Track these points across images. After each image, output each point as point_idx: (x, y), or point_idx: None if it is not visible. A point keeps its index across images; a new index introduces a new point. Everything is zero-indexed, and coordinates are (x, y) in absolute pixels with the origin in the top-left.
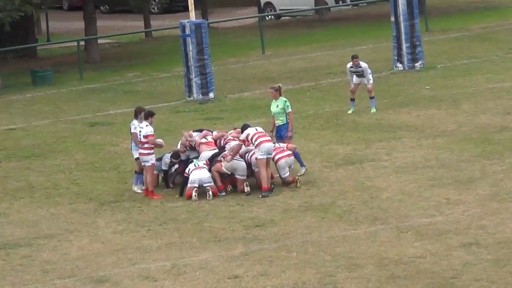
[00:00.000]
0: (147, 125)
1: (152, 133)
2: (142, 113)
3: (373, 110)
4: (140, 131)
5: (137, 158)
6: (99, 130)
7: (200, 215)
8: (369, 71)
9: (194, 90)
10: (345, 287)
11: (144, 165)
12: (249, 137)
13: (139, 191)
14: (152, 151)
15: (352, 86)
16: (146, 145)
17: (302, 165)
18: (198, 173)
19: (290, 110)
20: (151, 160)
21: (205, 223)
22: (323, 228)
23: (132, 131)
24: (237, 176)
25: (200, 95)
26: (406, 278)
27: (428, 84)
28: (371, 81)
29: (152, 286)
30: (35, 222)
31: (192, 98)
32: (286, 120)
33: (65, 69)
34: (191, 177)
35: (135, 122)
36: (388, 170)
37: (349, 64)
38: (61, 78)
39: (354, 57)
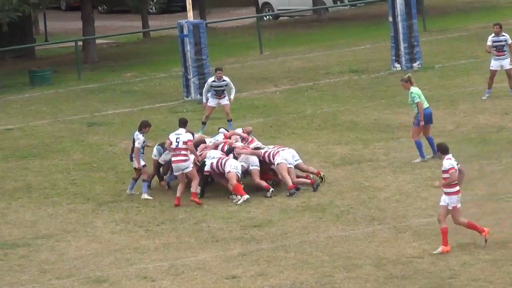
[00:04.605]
0: (186, 132)
1: (192, 139)
2: (148, 128)
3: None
4: (178, 138)
5: (138, 168)
6: (97, 130)
7: (198, 216)
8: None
9: (192, 90)
10: (343, 287)
11: (183, 172)
12: (266, 155)
13: (150, 197)
14: (189, 157)
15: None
16: (183, 152)
17: (434, 152)
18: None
19: (417, 100)
20: (190, 165)
21: (203, 223)
22: (321, 228)
23: (135, 145)
24: (251, 168)
25: (198, 95)
26: (404, 278)
27: (426, 84)
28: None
29: (150, 286)
30: (33, 222)
31: (190, 98)
32: (418, 110)
33: (63, 69)
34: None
35: (140, 136)
36: (386, 170)
37: (212, 79)
38: (59, 78)
39: (218, 70)
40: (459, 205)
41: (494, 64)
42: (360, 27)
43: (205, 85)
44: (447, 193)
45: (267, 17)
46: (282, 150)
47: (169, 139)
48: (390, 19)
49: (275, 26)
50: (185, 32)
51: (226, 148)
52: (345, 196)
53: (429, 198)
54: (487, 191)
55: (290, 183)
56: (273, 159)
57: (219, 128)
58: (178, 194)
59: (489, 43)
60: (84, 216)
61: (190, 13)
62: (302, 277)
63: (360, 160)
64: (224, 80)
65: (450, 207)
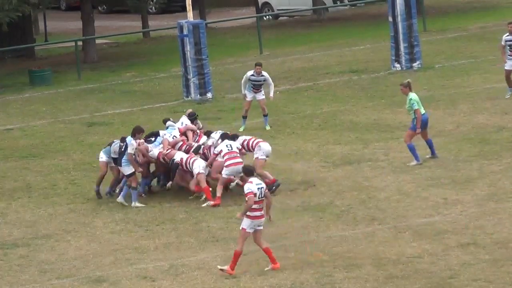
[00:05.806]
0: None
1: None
2: (141, 134)
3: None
4: (229, 144)
5: (131, 174)
6: (96, 130)
7: (198, 215)
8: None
9: (192, 90)
10: (343, 287)
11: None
12: (245, 143)
13: (142, 205)
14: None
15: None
16: (238, 154)
17: (433, 153)
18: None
19: (416, 107)
20: None
21: (203, 223)
22: (321, 228)
23: (128, 151)
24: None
25: (198, 95)
26: (404, 278)
27: (426, 84)
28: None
29: (150, 286)
30: (32, 222)
31: (190, 98)
32: (415, 115)
33: (63, 69)
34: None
35: (133, 142)
36: (385, 170)
37: (250, 72)
38: (59, 78)
39: (257, 65)
40: (250, 231)
41: (507, 64)
42: (360, 27)
43: (244, 77)
44: (246, 216)
45: (267, 17)
46: (262, 141)
47: (215, 152)
48: (390, 19)
49: (275, 26)
50: (185, 32)
51: (184, 147)
52: (345, 196)
53: (429, 198)
54: (487, 191)
55: (270, 177)
56: (253, 148)
57: (165, 121)
58: (218, 194)
59: (502, 42)
60: (84, 216)
61: (190, 13)
62: (302, 277)
63: (360, 160)
64: (262, 75)
65: (240, 227)
